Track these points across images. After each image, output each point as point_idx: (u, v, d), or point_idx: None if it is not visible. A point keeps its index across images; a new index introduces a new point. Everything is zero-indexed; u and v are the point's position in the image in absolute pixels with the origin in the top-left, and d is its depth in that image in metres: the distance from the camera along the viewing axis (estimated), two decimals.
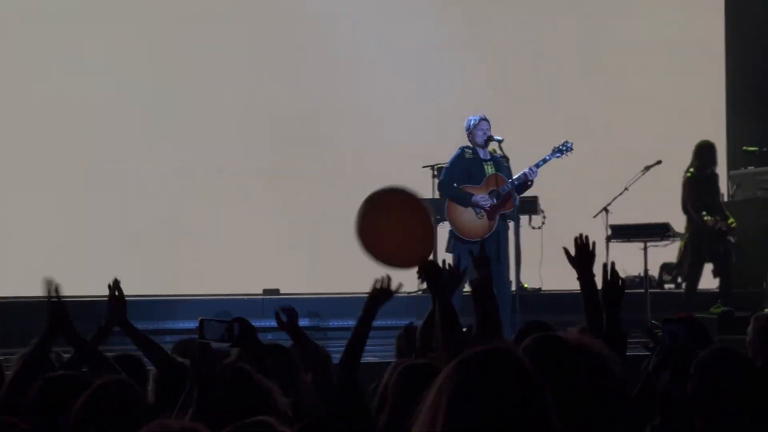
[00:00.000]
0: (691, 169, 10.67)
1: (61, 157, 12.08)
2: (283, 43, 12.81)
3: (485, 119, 9.53)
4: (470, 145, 9.55)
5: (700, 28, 13.48)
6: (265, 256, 12.22)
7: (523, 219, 10.82)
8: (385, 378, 4.51)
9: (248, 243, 12.32)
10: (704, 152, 10.68)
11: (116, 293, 4.63)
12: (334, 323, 10.49)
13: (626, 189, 10.41)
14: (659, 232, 10.62)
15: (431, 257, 4.43)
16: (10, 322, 9.46)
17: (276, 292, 11.78)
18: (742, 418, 3.72)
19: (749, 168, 12.12)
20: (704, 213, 10.54)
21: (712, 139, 10.94)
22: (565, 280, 4.75)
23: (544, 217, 11.59)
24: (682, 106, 13.19)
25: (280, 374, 4.03)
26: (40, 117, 12.13)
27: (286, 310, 4.33)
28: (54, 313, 4.18)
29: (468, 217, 9.42)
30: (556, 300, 10.38)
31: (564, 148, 9.70)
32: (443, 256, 9.45)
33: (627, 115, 13.16)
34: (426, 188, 11.22)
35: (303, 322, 11.56)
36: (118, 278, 4.64)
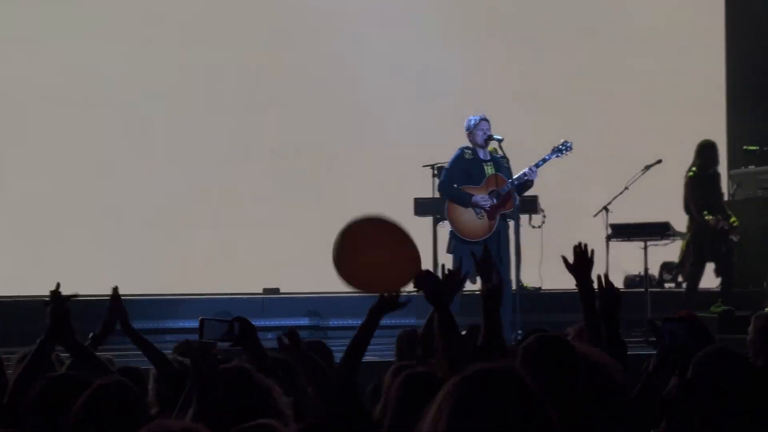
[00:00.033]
0: (693, 168, 10.67)
1: (61, 156, 12.07)
2: (283, 42, 12.80)
3: (485, 119, 9.53)
4: (470, 146, 9.54)
5: (700, 27, 13.47)
6: (265, 255, 12.23)
7: (523, 218, 10.80)
8: (386, 382, 4.50)
9: (248, 242, 12.32)
10: (706, 151, 10.68)
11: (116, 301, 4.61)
12: (333, 322, 10.49)
13: (626, 188, 10.40)
14: (659, 231, 10.61)
15: (429, 265, 4.44)
16: (10, 322, 9.46)
17: (276, 291, 11.78)
18: (740, 418, 3.72)
19: (749, 167, 12.11)
20: (706, 212, 10.54)
21: (712, 139, 10.93)
22: (565, 279, 4.74)
23: (544, 217, 11.58)
24: (683, 105, 13.19)
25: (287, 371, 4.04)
26: (41, 116, 12.13)
27: (288, 335, 4.33)
28: (56, 315, 4.17)
29: (468, 217, 9.42)
30: (557, 299, 10.37)
31: (563, 148, 9.70)
32: (443, 257, 9.45)
33: (627, 114, 13.16)
34: (426, 187, 11.21)
35: (303, 322, 11.51)
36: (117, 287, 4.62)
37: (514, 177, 9.40)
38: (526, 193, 9.89)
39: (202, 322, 4.28)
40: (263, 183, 12.55)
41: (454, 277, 4.36)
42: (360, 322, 4.23)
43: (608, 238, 10.44)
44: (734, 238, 10.63)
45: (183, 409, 3.73)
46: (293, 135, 12.73)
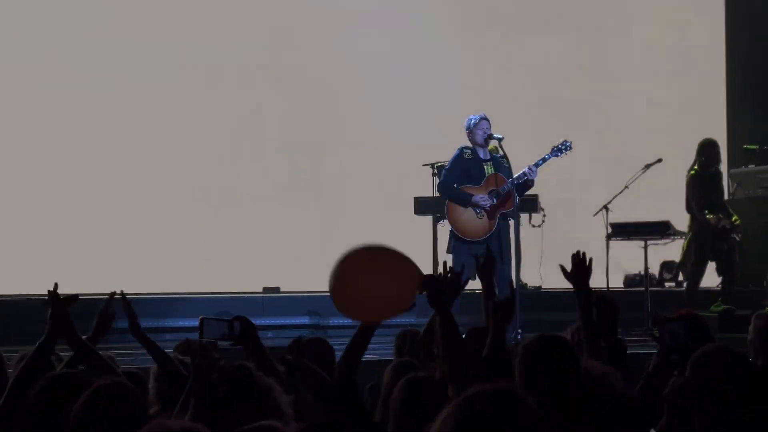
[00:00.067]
0: (695, 167, 10.66)
1: (61, 155, 12.08)
2: (284, 42, 12.80)
3: (485, 118, 9.52)
4: (469, 146, 9.53)
5: (700, 27, 13.47)
6: (265, 254, 12.23)
7: (523, 217, 10.81)
8: (385, 379, 4.51)
9: (248, 241, 12.33)
10: (707, 150, 10.67)
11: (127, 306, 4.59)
12: (334, 321, 10.48)
13: (626, 187, 10.39)
14: (659, 230, 10.61)
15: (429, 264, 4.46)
16: (10, 322, 9.46)
17: (276, 290, 11.78)
18: (740, 417, 3.71)
19: (750, 166, 12.11)
20: (707, 211, 10.54)
21: (712, 138, 10.93)
22: (564, 278, 4.75)
23: (544, 216, 11.59)
24: (683, 104, 13.20)
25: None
26: (41, 116, 12.12)
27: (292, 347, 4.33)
28: (56, 314, 4.16)
29: (468, 217, 9.41)
30: (556, 298, 10.36)
31: (563, 147, 9.69)
32: (443, 257, 9.44)
33: (627, 113, 13.16)
34: (426, 187, 11.21)
35: (303, 320, 11.52)
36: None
37: (514, 176, 9.40)
38: (527, 192, 9.88)
39: (202, 321, 4.28)
40: (263, 182, 12.55)
41: (456, 279, 4.36)
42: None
43: (608, 237, 10.44)
44: (736, 237, 10.62)
45: (183, 408, 3.74)
46: (293, 134, 12.73)
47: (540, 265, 11.10)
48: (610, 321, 4.50)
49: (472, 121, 9.51)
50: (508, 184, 9.38)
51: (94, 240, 12.00)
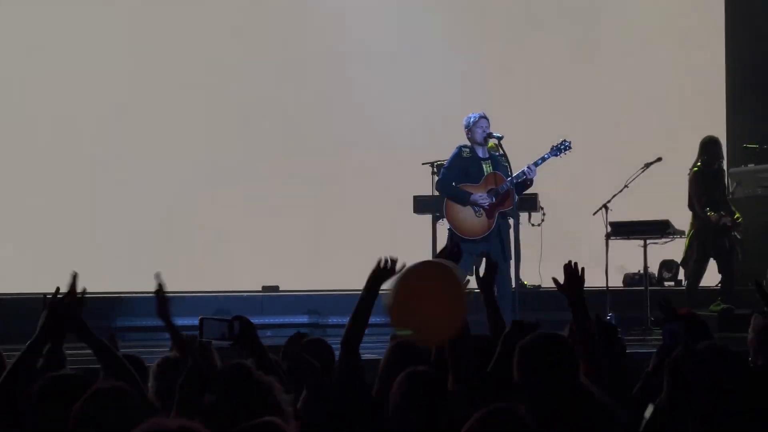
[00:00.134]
0: (699, 164, 10.67)
1: (61, 153, 12.07)
2: (284, 42, 12.80)
3: (484, 117, 9.51)
4: (468, 144, 9.53)
5: (700, 27, 13.46)
6: (265, 253, 12.23)
7: (523, 216, 10.80)
8: (385, 356, 4.53)
9: (247, 240, 12.32)
10: (710, 147, 10.68)
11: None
12: (333, 320, 10.48)
13: (626, 186, 10.38)
14: (659, 229, 10.60)
15: None
16: (10, 321, 9.45)
17: (275, 289, 11.78)
18: (739, 417, 3.71)
19: (749, 165, 12.11)
20: (708, 209, 10.54)
21: (714, 135, 10.94)
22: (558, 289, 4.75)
23: (544, 215, 11.58)
24: (682, 103, 13.19)
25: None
26: (42, 114, 12.12)
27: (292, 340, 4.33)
28: (51, 317, 4.10)
29: (466, 215, 9.41)
30: (556, 297, 10.33)
31: (562, 147, 9.68)
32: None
33: (627, 112, 13.16)
34: (425, 185, 11.21)
35: (302, 319, 11.52)
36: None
37: (513, 175, 9.39)
38: (526, 192, 9.88)
39: (201, 321, 4.28)
40: (262, 181, 12.54)
41: (454, 252, 4.42)
42: None
43: (608, 236, 10.44)
44: (737, 235, 10.62)
45: (181, 406, 3.73)
46: (292, 133, 12.73)
47: (539, 264, 11.10)
48: (610, 344, 4.51)
49: (471, 120, 9.51)
50: (507, 183, 9.38)
51: (93, 239, 12.00)
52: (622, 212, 10.53)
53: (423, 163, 11.34)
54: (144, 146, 12.30)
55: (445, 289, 4.07)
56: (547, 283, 11.64)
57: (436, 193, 10.09)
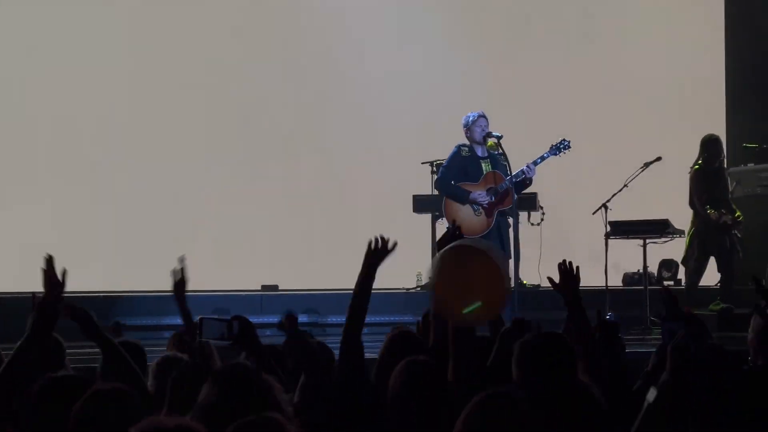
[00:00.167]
0: (700, 161, 10.67)
1: (60, 152, 12.08)
2: (284, 41, 12.80)
3: (483, 116, 9.52)
4: (467, 143, 9.53)
5: (700, 27, 13.46)
6: (264, 252, 12.23)
7: (522, 215, 10.81)
8: (385, 342, 4.54)
9: (246, 239, 12.32)
10: (711, 146, 10.68)
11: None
12: (332, 319, 10.48)
13: (626, 185, 10.37)
14: (658, 228, 10.59)
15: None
16: (10, 320, 9.43)
17: (274, 288, 11.78)
18: (737, 417, 3.71)
19: (749, 165, 12.11)
20: (708, 206, 10.54)
21: (715, 134, 10.94)
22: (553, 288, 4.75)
23: (543, 214, 11.58)
24: (682, 102, 13.19)
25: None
26: (42, 114, 12.12)
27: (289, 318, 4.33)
28: (43, 312, 4.05)
29: (466, 214, 9.41)
30: (556, 297, 10.34)
31: (562, 146, 9.68)
32: None
33: (627, 111, 13.15)
34: (425, 184, 11.22)
35: (302, 319, 11.60)
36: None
37: (512, 174, 9.39)
38: (525, 191, 9.88)
39: (201, 321, 4.28)
40: (262, 180, 12.55)
41: (456, 234, 4.44)
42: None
43: (607, 235, 10.43)
44: (737, 233, 10.62)
45: (174, 403, 3.74)
46: (292, 132, 12.73)
47: (539, 264, 11.09)
48: (611, 343, 4.51)
49: (470, 119, 9.51)
50: (506, 182, 9.38)
51: (92, 238, 12.00)
52: (622, 212, 10.53)
53: (422, 163, 11.35)
54: (144, 146, 12.31)
55: (486, 267, 4.07)
56: (547, 283, 11.62)
57: (436, 192, 10.09)
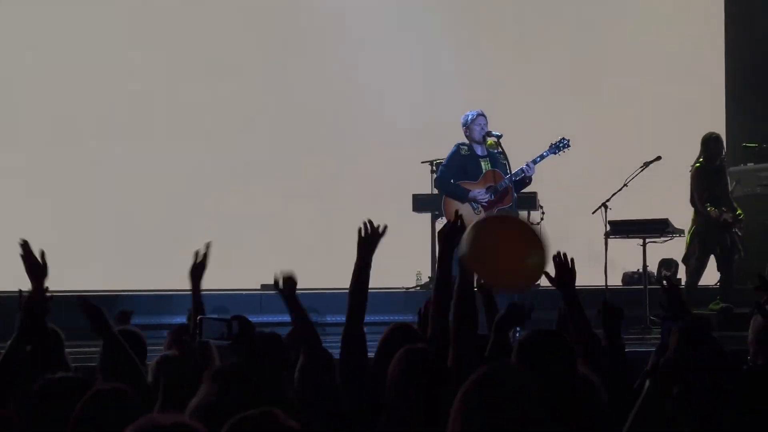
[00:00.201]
0: (701, 159, 10.67)
1: (59, 150, 12.07)
2: (284, 41, 12.80)
3: (482, 114, 9.52)
4: (466, 142, 9.53)
5: (699, 26, 13.46)
6: (263, 251, 12.22)
7: (522, 214, 10.79)
8: (381, 339, 4.55)
9: (246, 238, 12.31)
10: (711, 144, 10.68)
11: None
12: (331, 319, 10.47)
13: (625, 185, 10.37)
14: (658, 228, 10.59)
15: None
16: (9, 320, 9.43)
17: (274, 287, 11.75)
18: (737, 417, 3.71)
19: (749, 164, 12.12)
20: (708, 204, 10.54)
21: (716, 132, 10.94)
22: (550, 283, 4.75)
23: (543, 213, 11.58)
24: (682, 101, 13.19)
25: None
26: (40, 112, 12.12)
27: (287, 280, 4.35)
28: (30, 311, 4.02)
29: (465, 213, 9.36)
30: (555, 296, 10.33)
31: (561, 145, 9.67)
32: None
33: (626, 111, 13.15)
34: (425, 184, 11.21)
35: None
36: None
37: (512, 173, 9.39)
38: (525, 190, 9.87)
39: (201, 321, 4.28)
40: (261, 179, 12.54)
41: (458, 228, 4.46)
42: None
43: (607, 235, 10.43)
44: (738, 232, 10.61)
45: (168, 400, 3.73)
46: (292, 132, 12.73)
47: None
48: (611, 324, 4.48)
49: (469, 117, 9.51)
50: (506, 180, 9.38)
51: (91, 236, 11.99)
52: (622, 211, 10.53)
53: (422, 162, 11.34)
54: (144, 145, 12.31)
55: (523, 233, 4.09)
56: (546, 282, 11.63)
57: (436, 191, 10.09)
